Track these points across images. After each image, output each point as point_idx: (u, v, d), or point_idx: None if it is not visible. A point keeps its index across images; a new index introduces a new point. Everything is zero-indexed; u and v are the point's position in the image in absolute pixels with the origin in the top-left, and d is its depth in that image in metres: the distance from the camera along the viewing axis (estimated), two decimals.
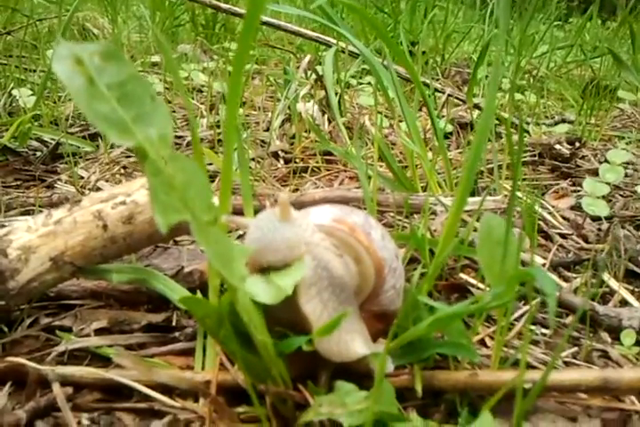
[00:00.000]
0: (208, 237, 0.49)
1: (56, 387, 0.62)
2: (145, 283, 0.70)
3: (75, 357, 0.69)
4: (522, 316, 0.82)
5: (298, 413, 0.58)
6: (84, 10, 2.80)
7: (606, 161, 1.40)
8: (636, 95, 2.24)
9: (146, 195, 0.72)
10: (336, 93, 1.65)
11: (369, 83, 2.18)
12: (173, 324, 0.75)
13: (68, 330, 0.73)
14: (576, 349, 0.78)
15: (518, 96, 2.12)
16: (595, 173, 1.42)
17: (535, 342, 0.78)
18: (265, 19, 2.05)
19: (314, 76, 1.76)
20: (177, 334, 0.72)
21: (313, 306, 0.57)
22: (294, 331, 0.59)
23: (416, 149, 1.23)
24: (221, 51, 2.45)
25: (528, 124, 1.82)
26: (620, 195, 1.37)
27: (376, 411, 0.53)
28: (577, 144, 1.59)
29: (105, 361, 0.68)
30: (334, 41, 1.92)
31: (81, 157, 1.43)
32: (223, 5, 2.18)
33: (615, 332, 0.82)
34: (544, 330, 0.81)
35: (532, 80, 2.38)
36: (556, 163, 1.52)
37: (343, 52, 1.88)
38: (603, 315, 0.83)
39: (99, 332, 0.73)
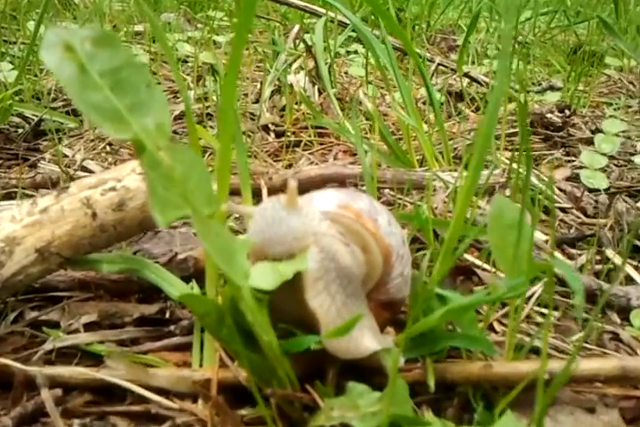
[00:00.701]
0: (209, 232, 0.46)
1: (44, 392, 0.57)
2: (137, 273, 0.67)
3: (63, 354, 0.65)
4: (530, 298, 0.79)
5: (305, 414, 0.54)
6: None
7: (598, 130, 1.39)
8: (622, 61, 2.22)
9: (137, 179, 0.68)
10: (325, 63, 1.60)
11: (355, 51, 2.15)
12: (167, 316, 0.71)
13: (56, 325, 0.69)
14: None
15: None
16: (587, 142, 1.42)
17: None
18: None
19: (302, 46, 1.72)
20: (172, 327, 0.68)
21: (320, 300, 0.54)
22: (300, 327, 0.56)
23: (412, 122, 1.20)
24: (205, 19, 2.40)
25: (516, 91, 1.79)
26: (615, 164, 1.34)
27: (391, 414, 0.49)
28: (567, 112, 1.56)
29: (96, 359, 0.64)
30: (321, 10, 1.87)
31: (64, 134, 1.38)
32: None
33: (624, 312, 0.79)
34: (553, 313, 0.78)
35: (517, 46, 2.35)
36: (549, 132, 1.50)
37: (332, 22, 1.83)
38: (611, 294, 0.80)
39: (88, 326, 0.69)
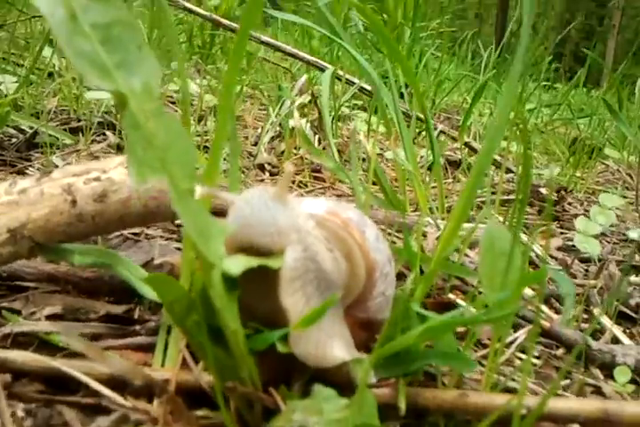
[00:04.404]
0: (187, 208, 0.43)
1: None
2: (109, 268, 0.64)
3: (20, 344, 0.61)
4: (512, 342, 0.77)
5: (265, 423, 0.51)
6: None
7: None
8: (622, 154, 2.25)
9: (123, 173, 0.65)
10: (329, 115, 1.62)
11: (357, 107, 2.17)
12: (135, 317, 0.68)
13: (17, 313, 0.65)
14: (568, 381, 0.73)
15: (504, 144, 2.11)
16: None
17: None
18: (264, 38, 2.04)
19: (308, 95, 1.73)
20: (137, 327, 0.65)
21: (295, 300, 0.51)
22: (270, 327, 0.53)
23: (409, 167, 1.20)
24: (215, 71, 2.42)
25: (515, 167, 1.81)
26: (607, 241, 1.35)
27: (358, 423, 0.46)
28: (562, 192, 1.57)
29: (53, 351, 0.60)
30: (329, 66, 1.90)
31: (58, 149, 1.36)
32: (223, 21, 2.17)
33: (608, 368, 0.77)
34: (534, 360, 0.76)
35: (518, 132, 2.40)
36: (544, 205, 1.50)
37: (339, 79, 1.86)
38: (596, 350, 0.79)
39: (50, 318, 0.65)
